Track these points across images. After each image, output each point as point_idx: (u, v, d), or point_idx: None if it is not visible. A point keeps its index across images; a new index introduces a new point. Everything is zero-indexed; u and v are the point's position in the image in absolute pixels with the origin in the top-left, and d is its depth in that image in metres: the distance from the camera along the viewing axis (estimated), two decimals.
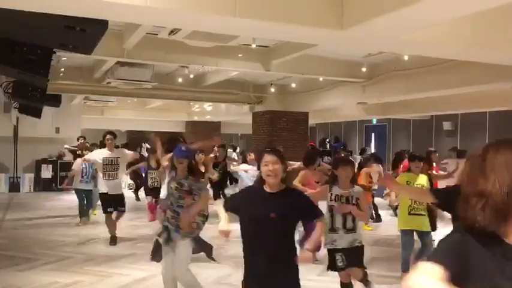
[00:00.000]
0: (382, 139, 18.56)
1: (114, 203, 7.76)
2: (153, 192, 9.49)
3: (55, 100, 12.10)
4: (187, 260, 4.66)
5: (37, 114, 12.63)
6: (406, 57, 8.87)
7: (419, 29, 4.71)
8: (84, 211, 9.68)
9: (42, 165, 15.79)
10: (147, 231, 8.98)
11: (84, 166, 9.37)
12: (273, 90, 13.16)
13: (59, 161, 15.97)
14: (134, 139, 26.55)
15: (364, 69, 10.09)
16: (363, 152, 14.41)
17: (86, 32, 4.65)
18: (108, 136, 7.76)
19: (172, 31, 6.96)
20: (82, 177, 9.47)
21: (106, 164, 7.62)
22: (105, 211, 7.83)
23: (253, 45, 8.36)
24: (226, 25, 4.79)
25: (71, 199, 13.79)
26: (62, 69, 10.89)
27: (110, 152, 7.71)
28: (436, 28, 4.80)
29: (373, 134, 19.33)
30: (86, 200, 9.64)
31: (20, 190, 15.32)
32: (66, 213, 11.08)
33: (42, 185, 15.68)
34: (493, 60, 6.45)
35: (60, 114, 15.29)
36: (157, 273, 6.15)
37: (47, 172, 15.77)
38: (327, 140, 20.42)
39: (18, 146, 15.51)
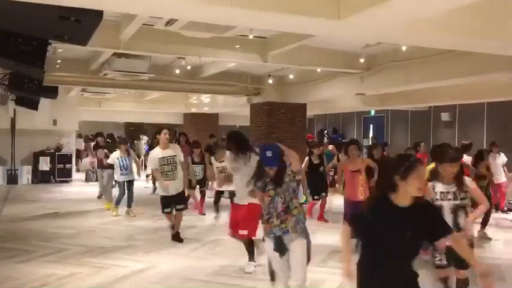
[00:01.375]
0: (380, 130, 18.56)
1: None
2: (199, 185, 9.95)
3: (52, 92, 12.05)
4: (305, 261, 4.03)
5: (34, 106, 12.59)
6: (404, 48, 8.83)
7: (417, 18, 4.67)
8: (122, 201, 9.76)
9: (40, 157, 15.77)
10: (145, 223, 8.99)
11: (120, 159, 9.50)
12: (270, 81, 13.12)
13: (56, 153, 15.95)
14: (132, 131, 26.59)
15: (362, 60, 10.05)
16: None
17: (80, 23, 4.60)
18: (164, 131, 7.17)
19: (168, 22, 6.92)
20: (121, 169, 9.54)
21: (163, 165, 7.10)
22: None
23: (251, 36, 8.32)
24: (222, 15, 4.75)
25: (68, 191, 13.84)
26: (59, 61, 10.84)
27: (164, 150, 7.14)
28: (434, 18, 4.76)
29: (371, 126, 19.33)
30: (128, 190, 9.70)
31: (18, 182, 15.31)
32: (64, 205, 11.08)
33: (40, 177, 15.67)
34: (492, 51, 6.42)
35: (57, 106, 15.24)
36: (154, 264, 6.18)
37: (44, 164, 15.76)
38: (325, 131, 20.42)
39: (15, 138, 15.47)
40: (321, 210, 9.34)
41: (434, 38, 5.40)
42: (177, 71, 12.03)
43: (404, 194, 2.79)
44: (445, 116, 15.19)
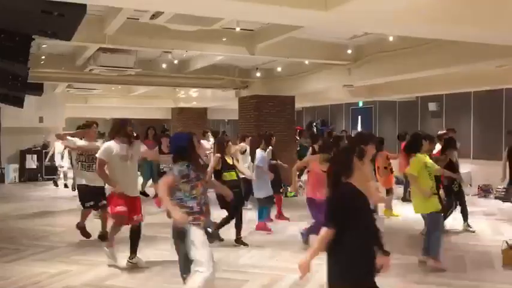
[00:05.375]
0: (369, 122, 18.62)
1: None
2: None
3: (37, 89, 11.88)
4: None
5: (19, 103, 12.38)
6: (391, 38, 8.83)
7: (404, 8, 4.66)
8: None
9: (27, 155, 15.58)
10: None
11: None
12: (258, 74, 13.06)
13: (43, 151, 15.76)
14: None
15: (349, 52, 10.04)
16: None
17: (64, 17, 4.51)
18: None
19: (154, 15, 6.83)
20: None
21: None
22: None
23: (237, 29, 8.24)
24: (210, 7, 4.69)
25: (56, 189, 13.68)
26: (43, 57, 10.67)
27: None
28: (422, 7, 4.75)
29: (359, 117, 19.39)
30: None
31: (4, 181, 15.13)
32: (52, 203, 10.97)
33: (27, 176, 15.49)
34: (481, 40, 6.43)
35: (43, 104, 15.05)
36: (145, 260, 6.14)
37: (31, 162, 15.58)
38: (314, 123, 20.43)
39: (1, 136, 15.26)
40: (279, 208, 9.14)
41: (423, 27, 5.39)
42: (164, 66, 11.92)
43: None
44: (432, 106, 15.25)
